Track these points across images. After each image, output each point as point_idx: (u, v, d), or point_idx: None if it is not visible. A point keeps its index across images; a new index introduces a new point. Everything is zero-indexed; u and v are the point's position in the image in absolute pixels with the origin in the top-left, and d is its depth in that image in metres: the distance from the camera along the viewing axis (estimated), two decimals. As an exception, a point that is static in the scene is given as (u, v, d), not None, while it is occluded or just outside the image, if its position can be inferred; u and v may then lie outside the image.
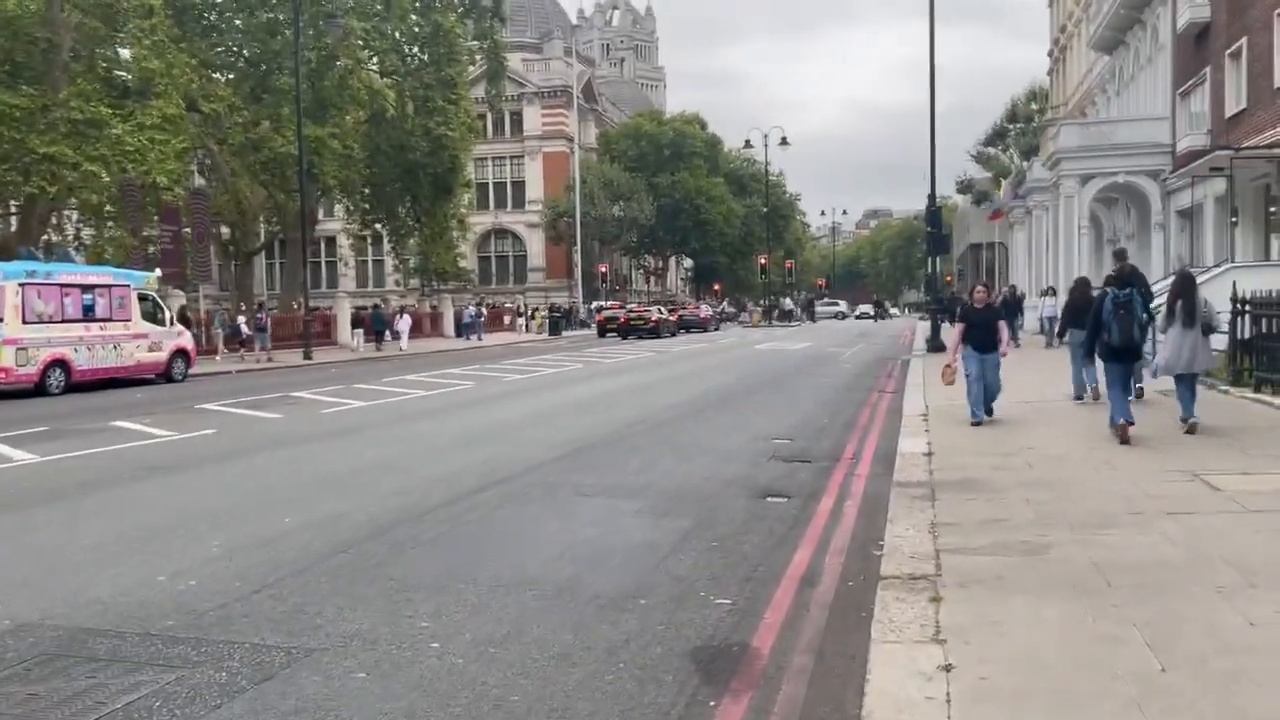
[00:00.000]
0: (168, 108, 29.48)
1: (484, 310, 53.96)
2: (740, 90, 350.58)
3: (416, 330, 41.68)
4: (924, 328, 31.32)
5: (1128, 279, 10.34)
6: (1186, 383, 10.38)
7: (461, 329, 48.71)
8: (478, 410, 15.33)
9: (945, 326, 29.62)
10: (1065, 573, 5.50)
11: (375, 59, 38.39)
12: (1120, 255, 12.10)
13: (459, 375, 21.92)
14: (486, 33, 43.88)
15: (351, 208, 45.03)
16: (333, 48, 34.21)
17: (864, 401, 15.87)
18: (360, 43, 34.88)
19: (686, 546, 6.78)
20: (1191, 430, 10.06)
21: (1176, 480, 7.90)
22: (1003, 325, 11.75)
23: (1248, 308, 12.77)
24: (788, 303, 74.83)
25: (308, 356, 30.52)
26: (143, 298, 22.52)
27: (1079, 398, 13.20)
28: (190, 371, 23.58)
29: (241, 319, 32.63)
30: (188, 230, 34.91)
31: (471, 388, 18.99)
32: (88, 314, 20.86)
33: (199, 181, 44.34)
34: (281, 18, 35.06)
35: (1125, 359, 10.07)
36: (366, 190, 43.42)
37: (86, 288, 20.98)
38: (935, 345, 25.68)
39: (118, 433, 12.71)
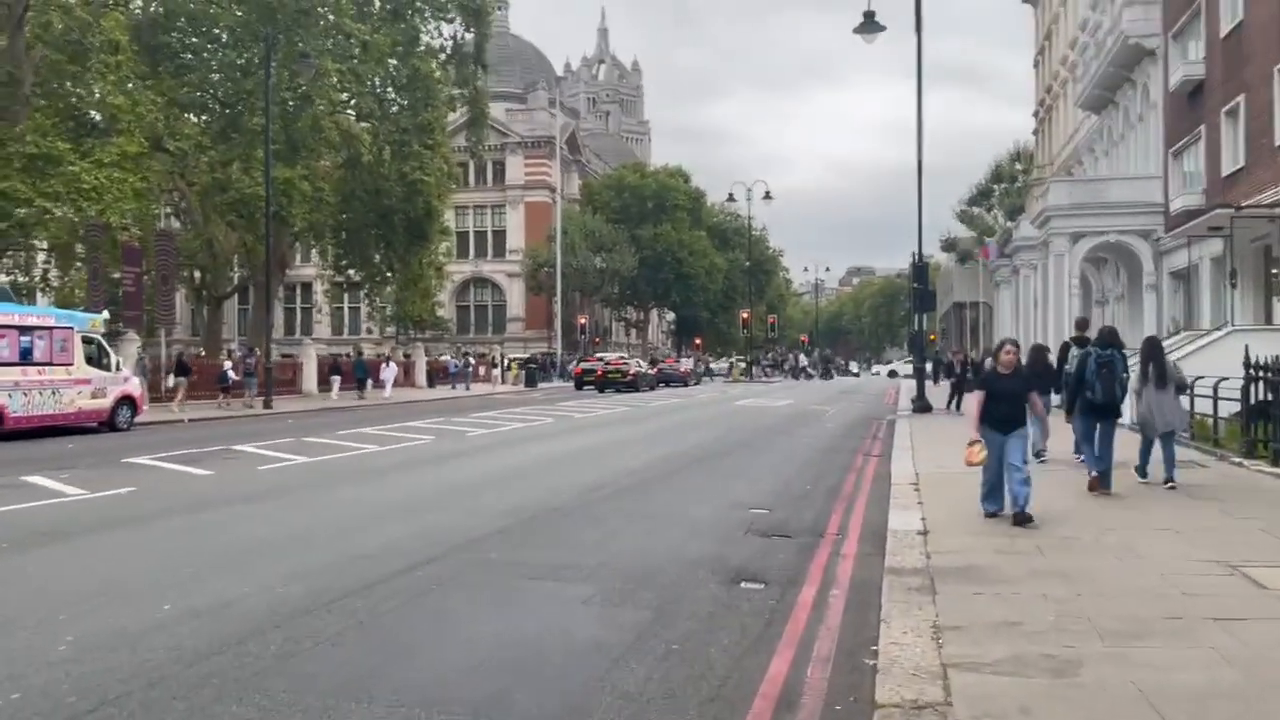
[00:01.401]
0: (129, 145, 28.50)
1: (472, 360, 53.11)
2: (725, 147, 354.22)
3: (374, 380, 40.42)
4: (909, 386, 30.42)
5: (1108, 340, 10.73)
6: (1166, 442, 10.80)
7: (435, 379, 47.93)
8: (429, 470, 14.12)
9: (929, 384, 28.74)
10: (1107, 706, 4.39)
11: (352, 101, 37.56)
12: (1082, 325, 13.25)
13: (420, 429, 20.71)
14: (469, 79, 43.25)
15: (323, 253, 44.10)
16: (307, 89, 33.38)
17: (849, 466, 14.80)
18: (335, 83, 34.00)
19: (641, 649, 5.63)
20: (1172, 488, 10.58)
21: (1212, 573, 6.83)
22: (1035, 398, 9.51)
23: (1266, 374, 11.79)
24: (803, 359, 73.12)
25: (268, 405, 29.28)
26: (87, 340, 21.32)
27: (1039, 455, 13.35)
28: (139, 420, 22.39)
29: (229, 364, 31.79)
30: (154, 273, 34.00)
31: (430, 443, 17.78)
32: (25, 357, 19.63)
33: (175, 224, 43.47)
34: (258, 59, 34.29)
35: (1106, 415, 10.64)
36: (343, 235, 42.52)
37: (25, 329, 19.75)
38: (921, 405, 24.76)
39: (24, 490, 11.45)
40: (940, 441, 16.42)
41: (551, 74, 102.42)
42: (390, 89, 40.82)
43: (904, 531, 8.68)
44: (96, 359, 21.46)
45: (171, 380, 27.93)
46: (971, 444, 9.14)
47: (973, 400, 9.65)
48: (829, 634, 6.04)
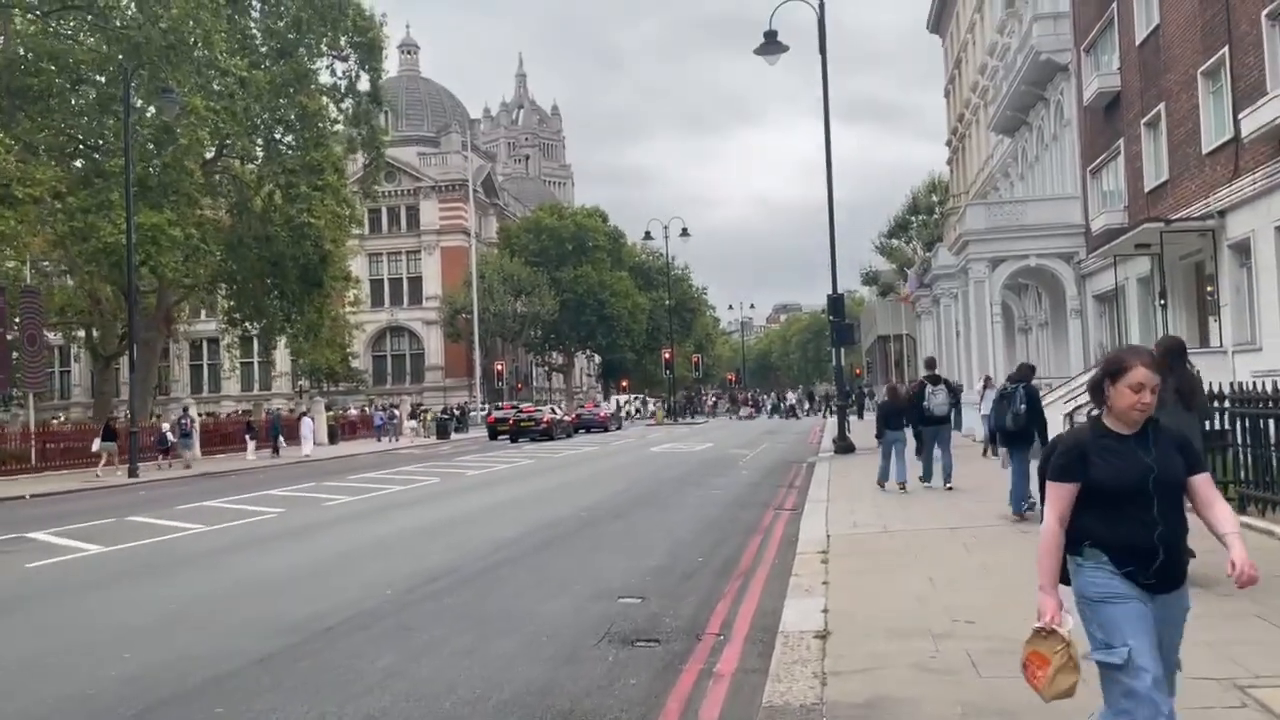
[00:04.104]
0: (-26, 190, 25.79)
1: (396, 412, 50.71)
2: (650, 188, 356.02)
3: (290, 437, 37.74)
4: (833, 425, 28.65)
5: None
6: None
7: (338, 434, 45.38)
8: (240, 558, 11.52)
9: (854, 419, 27.00)
10: None
11: (229, 141, 34.91)
12: (930, 364, 16.19)
13: (277, 499, 18.13)
14: (363, 117, 40.92)
15: (213, 306, 41.33)
16: (174, 128, 30.74)
17: (754, 526, 12.74)
18: (207, 120, 31.20)
19: None
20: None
21: (1217, 702, 4.81)
22: (1209, 486, 3.68)
23: (1230, 405, 9.96)
24: (791, 398, 70.87)
25: (133, 474, 26.29)
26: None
27: (881, 484, 14.86)
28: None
29: (166, 425, 30.54)
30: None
31: (274, 518, 15.24)
32: None
33: (69, 281, 40.46)
34: (119, 95, 31.62)
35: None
36: (233, 285, 39.79)
37: None
38: (843, 446, 22.97)
39: None
40: (856, 494, 14.51)
41: (466, 118, 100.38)
42: (280, 129, 38.40)
43: (798, 634, 6.59)
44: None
45: (96, 445, 27.13)
46: (1042, 635, 3.58)
47: (1051, 506, 3.63)
48: None
